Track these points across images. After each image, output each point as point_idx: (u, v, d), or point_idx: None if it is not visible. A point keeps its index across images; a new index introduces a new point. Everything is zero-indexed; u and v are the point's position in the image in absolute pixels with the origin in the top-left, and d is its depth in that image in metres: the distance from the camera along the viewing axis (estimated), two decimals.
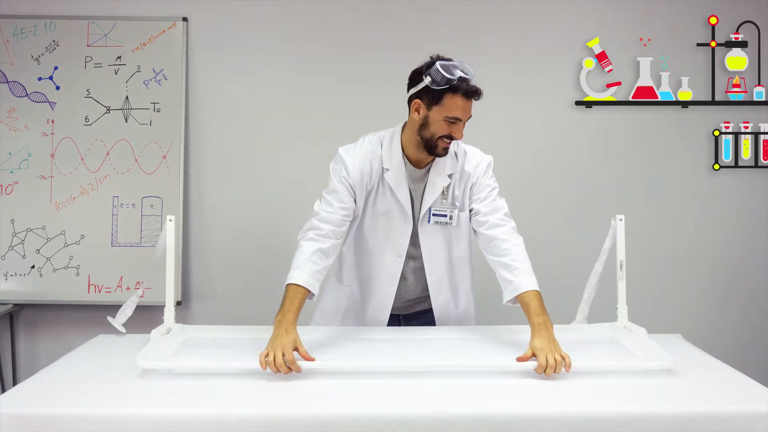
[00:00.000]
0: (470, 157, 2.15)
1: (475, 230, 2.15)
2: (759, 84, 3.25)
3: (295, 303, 1.87)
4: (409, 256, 2.18)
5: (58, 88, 3.19)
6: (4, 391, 3.04)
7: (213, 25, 3.23)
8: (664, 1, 3.24)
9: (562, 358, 1.72)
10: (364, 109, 3.23)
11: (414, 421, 1.47)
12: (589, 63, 3.24)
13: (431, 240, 2.16)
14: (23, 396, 1.59)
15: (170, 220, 2.09)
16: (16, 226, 3.17)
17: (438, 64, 1.93)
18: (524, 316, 1.91)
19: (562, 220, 3.27)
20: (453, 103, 1.95)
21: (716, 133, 3.27)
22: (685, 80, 3.25)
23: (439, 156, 2.06)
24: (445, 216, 2.13)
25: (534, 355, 1.76)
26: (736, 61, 3.25)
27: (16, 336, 3.25)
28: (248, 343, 1.91)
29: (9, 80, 3.19)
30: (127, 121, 3.20)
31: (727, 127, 3.27)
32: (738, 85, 3.25)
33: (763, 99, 3.24)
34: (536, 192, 3.27)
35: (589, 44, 3.24)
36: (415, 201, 2.14)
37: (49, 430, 1.45)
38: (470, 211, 2.15)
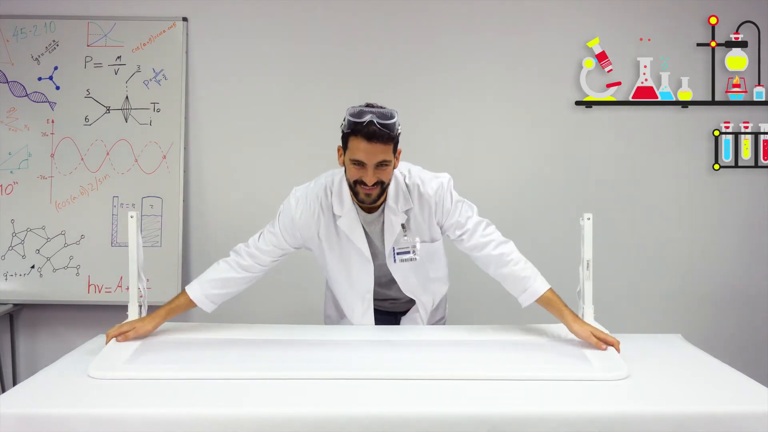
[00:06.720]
0: (424, 187, 2.10)
1: (469, 254, 2.14)
2: (759, 84, 3.25)
3: (174, 304, 2.08)
4: (386, 285, 2.22)
5: (58, 88, 3.19)
6: (4, 391, 3.03)
7: (213, 25, 3.23)
8: (664, 1, 3.24)
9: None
10: None
11: (414, 421, 1.47)
12: (589, 63, 3.24)
13: (404, 273, 2.18)
14: (23, 396, 1.59)
15: (131, 217, 2.06)
16: (16, 226, 3.17)
17: (349, 109, 1.91)
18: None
19: (562, 220, 3.27)
20: (355, 146, 1.91)
21: (716, 133, 3.27)
22: (685, 80, 3.24)
23: (363, 202, 2.01)
24: (408, 252, 2.12)
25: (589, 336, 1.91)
26: (736, 61, 3.24)
27: (16, 336, 3.25)
28: (199, 345, 1.95)
29: (9, 80, 3.18)
30: (127, 121, 3.19)
31: (727, 127, 3.26)
32: (738, 85, 3.25)
33: (763, 99, 3.24)
34: (536, 192, 3.27)
35: (589, 44, 3.24)
36: (375, 241, 2.13)
37: (49, 430, 1.45)
38: (449, 235, 2.15)
